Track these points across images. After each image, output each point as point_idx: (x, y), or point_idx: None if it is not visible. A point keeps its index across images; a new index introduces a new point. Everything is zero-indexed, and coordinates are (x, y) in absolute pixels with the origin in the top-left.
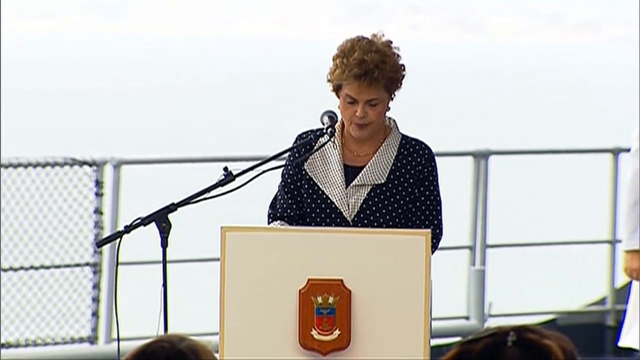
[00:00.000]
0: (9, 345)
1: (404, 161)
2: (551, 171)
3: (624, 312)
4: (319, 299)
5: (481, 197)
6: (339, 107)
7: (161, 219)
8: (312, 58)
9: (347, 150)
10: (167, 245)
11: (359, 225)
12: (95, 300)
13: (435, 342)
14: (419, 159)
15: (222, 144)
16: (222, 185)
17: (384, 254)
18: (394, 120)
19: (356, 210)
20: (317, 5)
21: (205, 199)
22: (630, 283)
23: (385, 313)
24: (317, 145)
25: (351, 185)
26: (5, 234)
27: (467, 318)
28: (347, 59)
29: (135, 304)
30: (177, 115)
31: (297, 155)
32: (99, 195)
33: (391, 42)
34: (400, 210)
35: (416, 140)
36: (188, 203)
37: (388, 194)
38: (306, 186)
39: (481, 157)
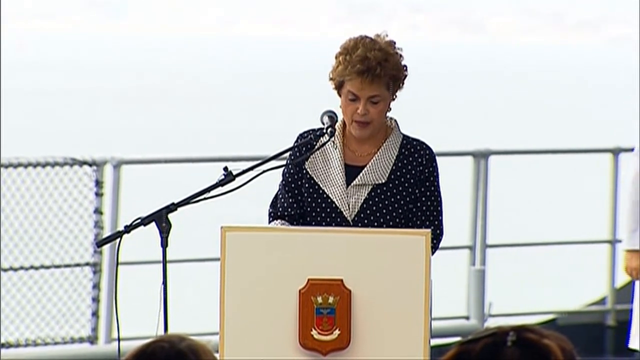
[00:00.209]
0: (9, 345)
1: (405, 161)
2: (551, 171)
3: (630, 312)
4: (319, 299)
5: (481, 197)
6: (340, 106)
7: (161, 219)
8: (312, 58)
9: (348, 150)
10: (167, 245)
11: (359, 224)
12: (95, 300)
13: (435, 342)
14: (420, 159)
15: (222, 144)
16: (222, 185)
17: (384, 254)
18: (395, 121)
19: (356, 210)
20: (317, 5)
21: (205, 199)
22: (632, 283)
23: (385, 313)
24: (317, 144)
25: (352, 184)
26: (5, 234)
27: (467, 318)
28: (350, 55)
29: (135, 304)
30: (177, 115)
31: (297, 154)
32: (99, 195)
33: (394, 42)
34: (400, 211)
35: (417, 140)
36: (188, 203)
37: (389, 193)
38: (307, 185)
39: (481, 157)
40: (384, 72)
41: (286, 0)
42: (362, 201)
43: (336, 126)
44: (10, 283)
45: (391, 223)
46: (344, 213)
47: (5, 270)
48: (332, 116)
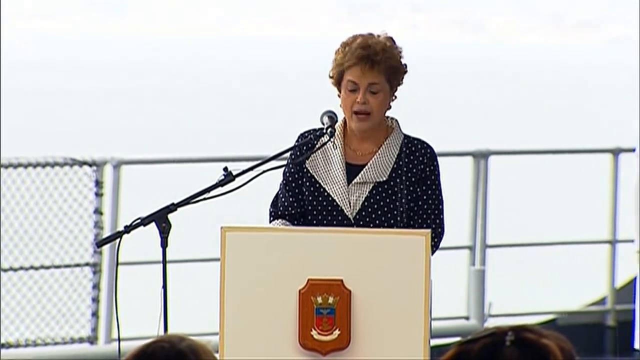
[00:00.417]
0: (9, 345)
1: (406, 160)
2: (551, 171)
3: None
4: (319, 299)
5: (481, 197)
6: (340, 105)
7: (161, 219)
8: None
9: (349, 149)
10: (167, 245)
11: (361, 222)
12: (95, 300)
13: (435, 342)
14: (421, 158)
15: (222, 144)
16: (222, 185)
17: (384, 254)
18: (396, 120)
19: (358, 208)
20: (317, 5)
21: (205, 199)
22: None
23: (385, 313)
24: (318, 144)
25: (353, 182)
26: (5, 234)
27: (467, 318)
28: (349, 46)
29: (135, 304)
30: (177, 115)
31: (298, 154)
32: (99, 195)
33: (393, 39)
34: (402, 209)
35: (418, 139)
36: (188, 203)
37: (390, 191)
38: (308, 184)
39: (481, 157)
40: (384, 60)
41: (286, 0)
42: (363, 199)
43: (336, 126)
44: (10, 283)
45: (392, 221)
46: (345, 211)
47: (5, 270)
48: (332, 116)
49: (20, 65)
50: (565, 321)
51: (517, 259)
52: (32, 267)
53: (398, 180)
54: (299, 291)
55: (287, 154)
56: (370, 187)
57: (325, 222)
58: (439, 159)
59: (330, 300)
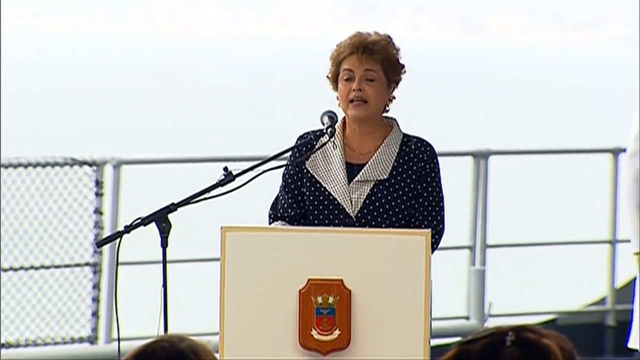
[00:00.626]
0: (9, 345)
1: (406, 158)
2: (551, 171)
3: (631, 312)
4: (319, 299)
5: (481, 197)
6: (338, 105)
7: (161, 219)
8: (312, 57)
9: (349, 149)
10: (167, 245)
11: (362, 220)
12: (95, 300)
13: (435, 342)
14: (421, 156)
15: (222, 144)
16: (222, 185)
17: (384, 254)
18: (395, 120)
19: (359, 206)
20: (317, 4)
21: (205, 199)
22: (633, 283)
23: (385, 313)
24: (318, 144)
25: (354, 181)
26: (5, 234)
27: (467, 318)
28: (345, 41)
29: (135, 304)
30: (177, 115)
31: (297, 155)
32: (99, 195)
33: (392, 38)
34: (403, 206)
35: (418, 138)
36: (188, 203)
37: (391, 189)
38: (308, 184)
39: (481, 157)
40: (379, 50)
41: (286, 0)
42: (364, 197)
43: (336, 126)
44: (10, 283)
45: (394, 219)
46: (347, 209)
47: (5, 270)
48: (332, 116)
49: (20, 65)
50: (565, 321)
51: (517, 259)
52: (32, 267)
53: (399, 178)
54: (299, 291)
55: (287, 154)
56: (372, 186)
57: (327, 221)
58: (439, 158)
59: (330, 300)
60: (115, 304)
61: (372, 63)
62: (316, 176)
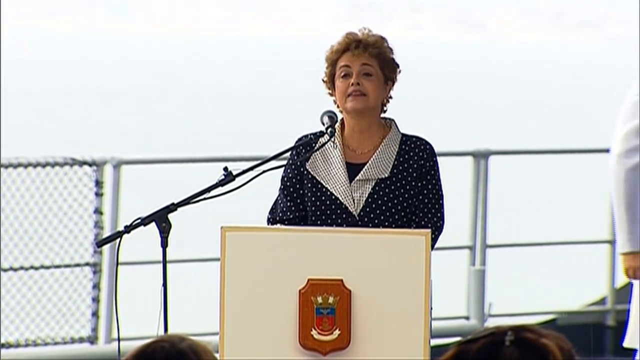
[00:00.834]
0: (9, 345)
1: (406, 156)
2: (551, 171)
3: (627, 312)
4: (319, 299)
5: (481, 197)
6: (337, 106)
7: (161, 219)
8: (312, 57)
9: (348, 149)
10: (167, 245)
11: (365, 219)
12: (95, 300)
13: (435, 342)
14: (420, 154)
15: (222, 144)
16: (222, 185)
17: (384, 254)
18: (393, 120)
19: (362, 205)
20: (317, 4)
21: (205, 199)
22: (631, 283)
23: (385, 313)
24: (317, 145)
25: (355, 180)
26: (5, 234)
27: (467, 318)
28: (339, 40)
29: (135, 304)
30: (177, 115)
31: (296, 157)
32: (99, 195)
33: (384, 38)
34: (405, 204)
35: (416, 137)
36: (188, 203)
37: (392, 187)
38: (309, 185)
39: (481, 157)
40: (375, 47)
41: (286, 0)
42: (366, 195)
43: (335, 126)
44: (10, 283)
45: (396, 216)
46: (350, 208)
47: (5, 270)
48: (332, 116)
49: (20, 65)
50: (565, 321)
51: (517, 259)
52: (32, 267)
53: (400, 176)
54: (299, 291)
55: (287, 154)
56: (373, 184)
57: (329, 221)
58: (439, 158)
59: (330, 300)
60: (115, 304)
61: (368, 57)
62: (317, 177)
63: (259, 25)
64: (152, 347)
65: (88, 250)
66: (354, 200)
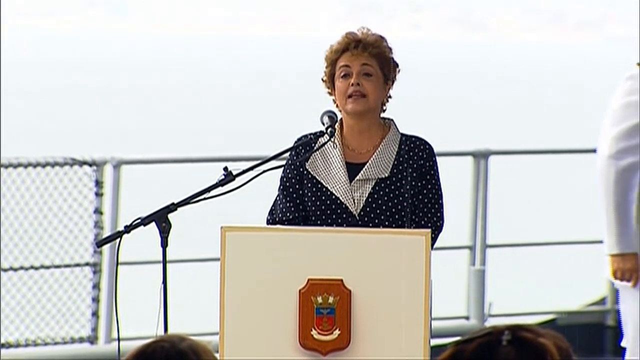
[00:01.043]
0: (9, 345)
1: (406, 156)
2: (551, 171)
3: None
4: (319, 299)
5: (481, 197)
6: (336, 106)
7: (161, 219)
8: (312, 57)
9: (347, 149)
10: (167, 245)
11: (365, 219)
12: (95, 300)
13: (435, 342)
14: (420, 154)
15: (222, 144)
16: (222, 185)
17: (384, 254)
18: (392, 120)
19: (362, 204)
20: (318, 4)
21: (205, 198)
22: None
23: (385, 313)
24: (317, 145)
25: (355, 179)
26: (5, 234)
27: (467, 318)
28: (338, 40)
29: (135, 304)
30: (177, 115)
31: (296, 157)
32: (99, 195)
33: (383, 37)
34: (405, 203)
35: (416, 137)
36: (188, 203)
37: (392, 187)
38: (309, 185)
39: (481, 157)
40: (374, 47)
41: (286, 0)
42: (367, 195)
43: (335, 126)
44: (10, 283)
45: (396, 216)
46: (350, 208)
47: (5, 270)
48: (332, 116)
49: (20, 64)
50: (565, 321)
51: (517, 259)
52: (32, 267)
53: (400, 176)
54: (299, 291)
55: (287, 154)
56: (373, 184)
57: (329, 220)
58: (439, 158)
59: (330, 300)
60: (115, 304)
61: (368, 57)
62: (317, 177)
63: (259, 25)
64: (152, 347)
65: (88, 250)
66: (354, 200)
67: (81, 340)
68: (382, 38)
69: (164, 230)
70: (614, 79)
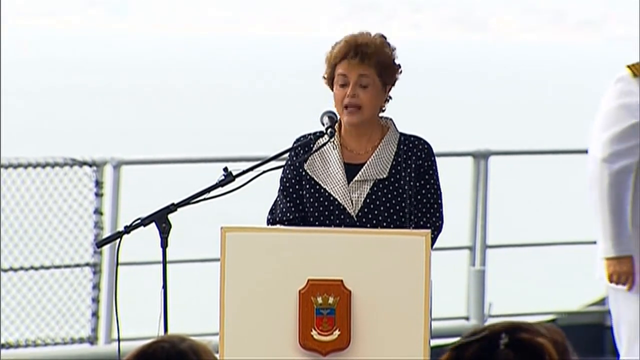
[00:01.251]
0: (9, 346)
1: (404, 156)
2: (551, 171)
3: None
4: (319, 299)
5: (481, 197)
6: (334, 106)
7: (161, 219)
8: (312, 57)
9: (346, 150)
10: (167, 246)
11: (363, 220)
12: (95, 300)
13: (435, 342)
14: (419, 154)
15: (222, 144)
16: (222, 185)
17: (384, 254)
18: (391, 120)
19: (360, 206)
20: (317, 4)
21: (205, 199)
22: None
23: (385, 313)
24: (316, 146)
25: (353, 181)
26: (5, 234)
27: (467, 318)
28: (339, 43)
29: (135, 304)
30: (177, 115)
31: (295, 157)
32: (99, 195)
33: (386, 38)
34: (403, 204)
35: (414, 136)
36: (188, 203)
37: (390, 187)
38: (308, 186)
39: (481, 157)
40: (373, 54)
41: (286, 0)
42: (365, 196)
43: (335, 127)
44: (10, 283)
45: (394, 217)
46: (348, 209)
47: (5, 270)
48: (332, 116)
49: (20, 64)
50: (565, 321)
51: (517, 259)
52: (32, 267)
53: (398, 176)
54: (299, 291)
55: (287, 155)
56: (371, 185)
57: (328, 222)
58: (439, 159)
59: (330, 300)
60: (115, 304)
61: (366, 68)
62: (315, 178)
63: (259, 25)
64: (153, 347)
65: (88, 250)
66: (352, 201)
67: (81, 340)
68: (383, 43)
69: (164, 230)
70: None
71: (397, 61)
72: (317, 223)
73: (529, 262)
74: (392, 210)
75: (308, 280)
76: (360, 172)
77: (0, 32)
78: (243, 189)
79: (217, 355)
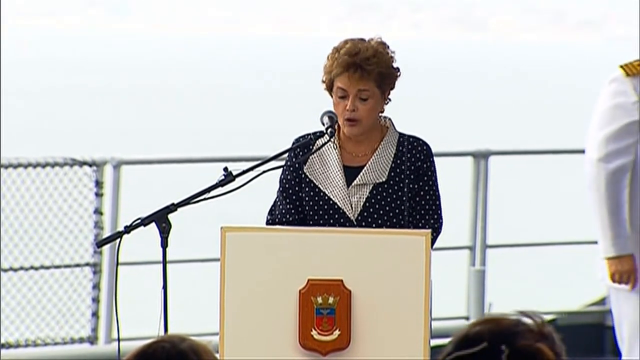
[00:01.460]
0: (9, 346)
1: (403, 158)
2: (551, 171)
3: None
4: (319, 299)
5: (481, 197)
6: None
7: (161, 219)
8: (313, 57)
9: (345, 152)
10: (167, 246)
11: (363, 223)
12: (95, 300)
13: (435, 342)
14: (417, 155)
15: (222, 144)
16: (222, 185)
17: (384, 254)
18: (390, 119)
19: (359, 209)
20: (317, 4)
21: (205, 199)
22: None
23: (385, 313)
24: (315, 146)
25: (352, 184)
26: (5, 234)
27: (467, 318)
28: (339, 52)
29: (135, 304)
30: (177, 115)
31: (294, 159)
32: (99, 195)
33: (386, 43)
34: (402, 207)
35: (414, 137)
36: (188, 203)
37: (390, 191)
38: (307, 189)
39: (481, 157)
40: (373, 67)
41: (286, 0)
42: (364, 200)
43: (335, 127)
44: (10, 283)
45: (394, 220)
46: (347, 213)
47: (5, 270)
48: (332, 117)
49: (20, 64)
50: (565, 321)
51: (517, 259)
52: (32, 267)
53: (397, 179)
54: (299, 291)
55: (286, 155)
56: (370, 188)
57: (327, 225)
58: (439, 159)
59: (330, 300)
60: (115, 304)
61: (365, 82)
62: (314, 180)
63: (259, 25)
64: (153, 347)
65: (88, 250)
66: (351, 205)
67: (81, 340)
68: (382, 50)
69: (164, 230)
70: None
71: (395, 64)
72: (316, 226)
73: (529, 262)
74: (391, 214)
75: (308, 280)
76: (359, 176)
77: (0, 32)
78: (243, 189)
79: (217, 355)
